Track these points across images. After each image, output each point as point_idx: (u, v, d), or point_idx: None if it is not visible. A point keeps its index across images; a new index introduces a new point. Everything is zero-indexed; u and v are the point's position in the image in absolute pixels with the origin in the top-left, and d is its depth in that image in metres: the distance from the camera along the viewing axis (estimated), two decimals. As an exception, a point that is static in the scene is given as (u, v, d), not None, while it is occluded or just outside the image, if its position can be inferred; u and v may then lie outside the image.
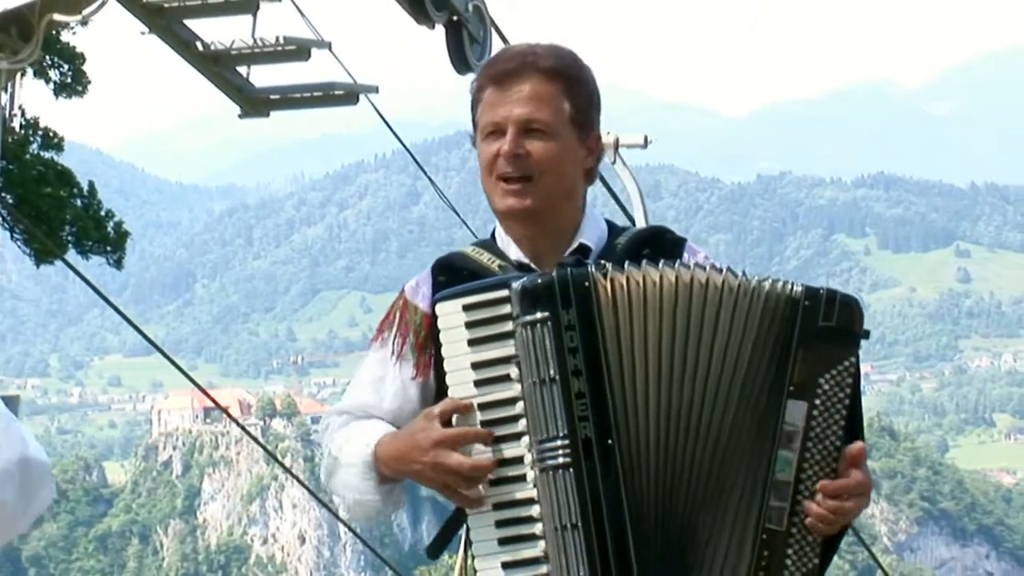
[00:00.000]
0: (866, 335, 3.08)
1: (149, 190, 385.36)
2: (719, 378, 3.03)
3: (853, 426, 3.09)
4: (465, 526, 3.19)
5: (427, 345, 3.28)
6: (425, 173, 12.08)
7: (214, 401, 14.31)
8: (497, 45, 9.90)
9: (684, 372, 3.02)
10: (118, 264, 23.13)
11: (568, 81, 3.26)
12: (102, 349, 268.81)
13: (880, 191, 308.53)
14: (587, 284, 3.02)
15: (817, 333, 3.03)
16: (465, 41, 9.82)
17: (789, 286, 3.05)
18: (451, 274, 3.31)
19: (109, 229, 22.66)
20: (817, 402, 3.02)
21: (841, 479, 3.04)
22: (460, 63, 9.90)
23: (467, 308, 3.09)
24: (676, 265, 3.05)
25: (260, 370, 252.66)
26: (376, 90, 10.55)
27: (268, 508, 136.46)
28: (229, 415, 15.95)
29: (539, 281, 3.04)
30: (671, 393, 3.02)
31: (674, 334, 3.02)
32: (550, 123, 3.22)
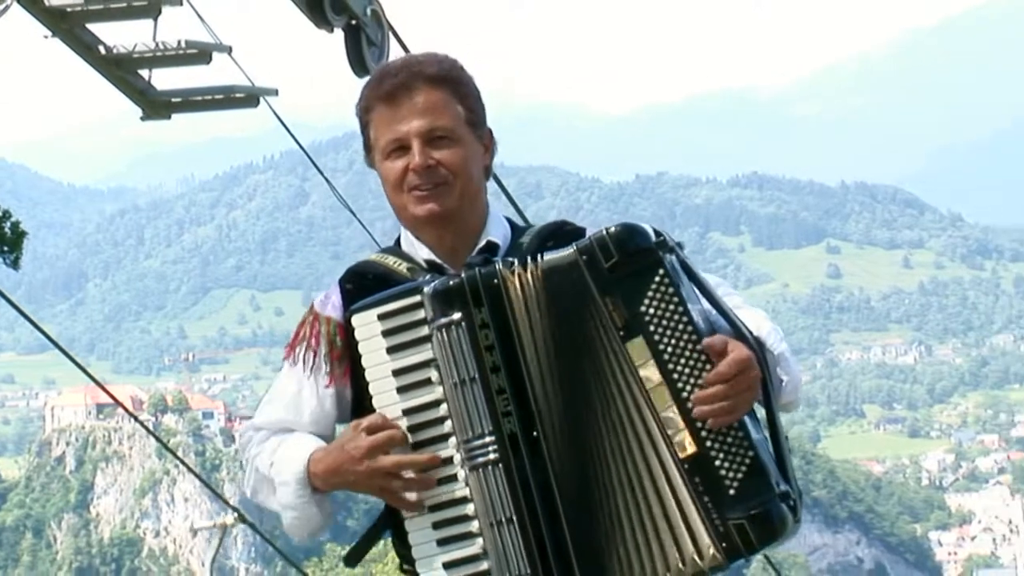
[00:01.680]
0: (661, 240, 3.01)
1: (41, 191, 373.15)
2: (577, 356, 3.02)
3: (710, 317, 3.05)
4: (389, 533, 3.22)
5: (344, 355, 3.21)
6: (321, 173, 11.83)
7: (110, 395, 14.45)
8: (395, 47, 10.01)
9: (562, 358, 3.03)
10: (15, 264, 22.63)
11: (454, 84, 3.23)
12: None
13: (754, 190, 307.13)
14: (496, 282, 3.01)
15: (609, 275, 2.98)
16: (363, 45, 9.77)
17: (561, 255, 3.04)
18: (358, 280, 3.26)
19: (6, 229, 22.26)
20: (651, 328, 2.95)
21: (712, 374, 2.94)
22: (358, 66, 9.78)
23: (382, 317, 3.07)
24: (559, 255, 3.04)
25: (152, 367, 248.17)
26: (276, 93, 10.43)
27: (160, 502, 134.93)
28: (126, 409, 17.58)
29: (450, 283, 3.03)
30: (570, 380, 3.02)
31: (551, 323, 3.04)
32: (451, 128, 3.19)
